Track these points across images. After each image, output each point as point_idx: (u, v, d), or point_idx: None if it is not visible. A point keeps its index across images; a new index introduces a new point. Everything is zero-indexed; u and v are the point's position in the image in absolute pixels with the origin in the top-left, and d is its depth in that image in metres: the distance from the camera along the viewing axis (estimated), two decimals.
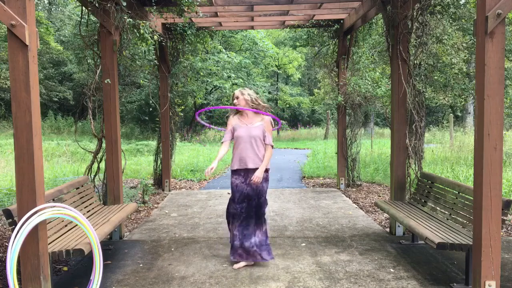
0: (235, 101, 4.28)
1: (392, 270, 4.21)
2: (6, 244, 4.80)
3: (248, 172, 4.19)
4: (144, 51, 7.98)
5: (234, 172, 4.25)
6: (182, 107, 8.93)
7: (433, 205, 4.86)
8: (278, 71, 29.69)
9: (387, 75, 9.55)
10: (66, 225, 4.14)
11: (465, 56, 9.93)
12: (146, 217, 6.49)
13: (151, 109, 8.55)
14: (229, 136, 4.28)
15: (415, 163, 5.55)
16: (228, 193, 8.84)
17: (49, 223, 3.78)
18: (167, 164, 8.45)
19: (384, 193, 8.07)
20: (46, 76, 24.72)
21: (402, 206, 5.12)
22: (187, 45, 8.47)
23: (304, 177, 10.39)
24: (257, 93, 4.34)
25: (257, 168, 4.16)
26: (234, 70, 18.17)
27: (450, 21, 7.95)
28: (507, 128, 17.04)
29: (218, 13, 7.36)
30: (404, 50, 5.36)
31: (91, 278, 3.38)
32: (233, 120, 4.30)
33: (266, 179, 4.27)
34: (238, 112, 4.32)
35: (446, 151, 13.09)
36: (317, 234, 5.46)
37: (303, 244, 5.02)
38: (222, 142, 4.30)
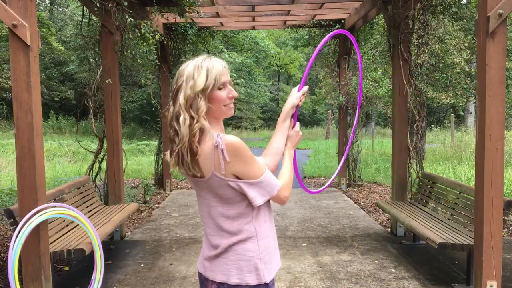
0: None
1: (393, 270, 4.20)
2: (8, 244, 4.81)
3: None
4: (146, 51, 7.99)
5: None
6: None
7: (434, 205, 4.86)
8: (280, 71, 29.70)
9: (388, 75, 9.54)
10: (67, 225, 4.15)
11: (467, 56, 9.91)
12: (147, 217, 6.50)
13: (152, 109, 8.56)
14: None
15: (416, 163, 5.54)
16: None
17: (50, 223, 3.79)
18: (168, 164, 8.45)
19: (385, 193, 8.06)
20: (47, 76, 24.75)
21: (403, 206, 5.11)
22: (188, 45, 8.47)
23: (305, 177, 10.39)
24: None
25: None
26: (236, 70, 18.18)
27: (452, 21, 7.94)
28: (509, 128, 17.01)
29: (219, 13, 7.36)
30: (405, 50, 5.35)
31: (92, 278, 3.39)
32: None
33: None
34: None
35: (448, 151, 13.07)
36: (318, 234, 5.46)
37: (304, 244, 5.02)
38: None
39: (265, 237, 1.65)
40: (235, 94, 1.64)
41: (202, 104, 1.54)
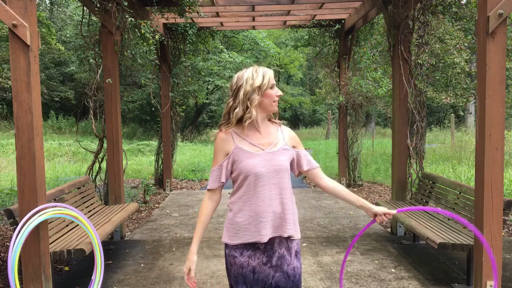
0: (276, 91, 2.09)
1: (393, 270, 4.20)
2: (8, 244, 4.81)
3: (272, 241, 2.07)
4: (146, 51, 7.99)
5: (243, 245, 2.06)
6: (184, 107, 8.94)
7: (434, 205, 4.86)
8: (280, 71, 29.68)
9: (388, 75, 9.54)
10: (67, 225, 4.15)
11: (467, 56, 9.91)
12: (147, 217, 6.50)
13: (152, 109, 8.60)
14: (220, 175, 2.09)
15: (416, 163, 5.54)
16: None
17: (50, 223, 3.79)
18: (168, 164, 8.46)
19: (386, 193, 8.06)
20: (47, 76, 24.75)
21: (403, 206, 5.11)
22: (188, 45, 8.48)
23: (305, 177, 10.39)
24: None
25: (288, 238, 2.10)
26: (236, 70, 18.18)
27: (452, 21, 7.92)
28: (509, 128, 17.00)
29: (219, 13, 7.36)
30: (405, 50, 5.35)
31: (92, 278, 3.39)
32: (226, 139, 2.07)
33: (299, 253, 2.17)
34: (240, 121, 2.07)
35: (448, 151, 13.07)
36: (318, 234, 5.46)
37: (304, 244, 5.02)
38: (208, 190, 2.14)
39: (233, 213, 2.07)
40: (281, 93, 2.10)
41: (256, 98, 2.00)
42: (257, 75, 2.02)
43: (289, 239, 2.10)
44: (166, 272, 4.20)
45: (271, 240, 2.06)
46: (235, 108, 2.01)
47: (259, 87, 2.00)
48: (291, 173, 2.15)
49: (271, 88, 2.04)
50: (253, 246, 2.05)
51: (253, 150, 2.04)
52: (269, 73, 2.05)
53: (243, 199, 2.05)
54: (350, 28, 7.81)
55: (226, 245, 2.10)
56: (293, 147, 2.14)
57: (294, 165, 2.16)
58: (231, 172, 2.07)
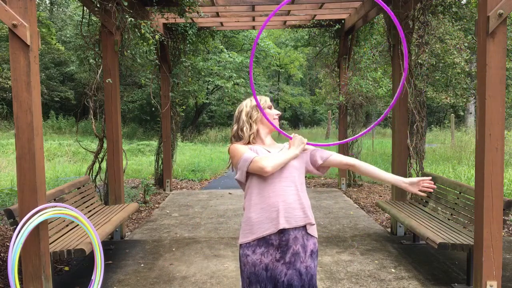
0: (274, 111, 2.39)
1: (393, 270, 4.20)
2: (8, 244, 4.81)
3: (287, 236, 2.13)
4: (146, 51, 7.99)
5: (256, 242, 2.15)
6: (184, 107, 8.94)
7: (434, 205, 4.86)
8: (280, 71, 29.69)
9: (388, 75, 9.54)
10: (67, 225, 4.15)
11: (467, 56, 9.92)
12: (147, 217, 6.50)
13: (152, 109, 8.60)
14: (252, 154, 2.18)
15: (416, 163, 5.54)
16: (230, 193, 8.81)
17: (50, 223, 3.79)
18: (168, 164, 8.46)
19: (385, 193, 8.06)
20: (47, 76, 24.75)
21: (403, 206, 5.11)
22: (188, 45, 8.48)
23: (305, 177, 10.38)
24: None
25: (304, 228, 2.17)
26: (236, 70, 18.16)
27: (452, 21, 7.93)
28: (509, 128, 17.00)
29: (219, 13, 7.37)
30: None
31: (92, 278, 3.39)
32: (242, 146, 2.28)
33: (315, 253, 2.23)
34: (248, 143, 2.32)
35: (448, 151, 13.07)
36: (318, 234, 5.45)
37: None
38: (237, 180, 2.26)
39: (247, 211, 2.19)
40: (279, 113, 2.37)
41: (256, 114, 2.29)
42: (253, 100, 2.32)
43: (306, 234, 2.16)
44: (166, 272, 4.20)
45: (286, 236, 2.12)
46: (242, 128, 2.29)
47: (256, 106, 2.30)
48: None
49: (268, 108, 2.34)
50: (267, 243, 2.13)
51: (261, 153, 2.22)
52: (265, 97, 2.36)
53: (255, 193, 2.18)
54: (350, 28, 7.81)
55: (241, 246, 2.19)
56: (303, 150, 2.30)
57: (310, 165, 2.35)
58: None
